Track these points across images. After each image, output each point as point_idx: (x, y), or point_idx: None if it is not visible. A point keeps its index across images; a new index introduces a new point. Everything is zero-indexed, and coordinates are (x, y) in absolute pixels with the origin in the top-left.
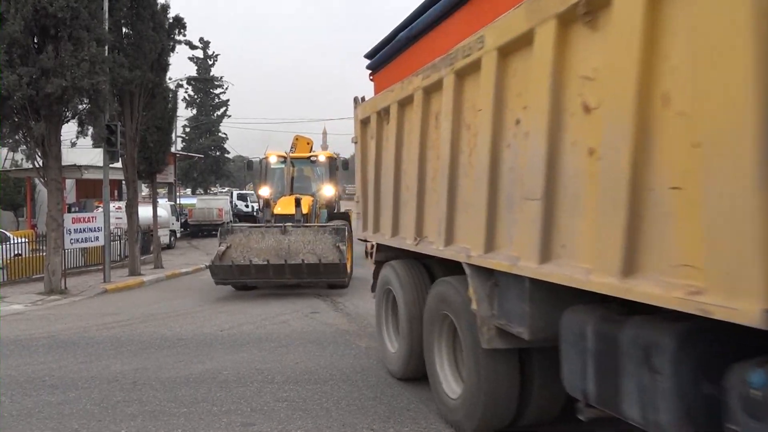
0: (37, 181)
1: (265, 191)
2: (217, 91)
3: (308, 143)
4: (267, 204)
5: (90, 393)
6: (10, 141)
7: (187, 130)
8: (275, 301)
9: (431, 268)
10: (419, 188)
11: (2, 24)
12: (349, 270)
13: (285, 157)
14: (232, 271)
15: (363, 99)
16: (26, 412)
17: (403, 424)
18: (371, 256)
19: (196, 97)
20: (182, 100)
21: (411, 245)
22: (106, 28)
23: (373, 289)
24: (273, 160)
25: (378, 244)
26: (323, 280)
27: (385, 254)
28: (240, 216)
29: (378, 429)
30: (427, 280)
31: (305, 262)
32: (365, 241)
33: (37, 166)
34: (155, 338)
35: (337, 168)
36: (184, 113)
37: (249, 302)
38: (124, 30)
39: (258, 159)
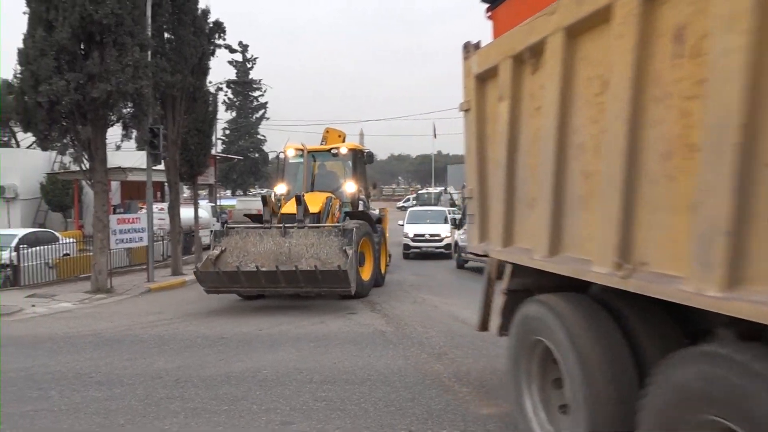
0: (84, 183)
1: (281, 188)
2: (256, 93)
3: (340, 136)
4: (265, 202)
5: (135, 389)
6: (59, 145)
7: (227, 132)
8: (312, 301)
9: (622, 317)
10: (627, 174)
11: (51, 31)
12: (382, 272)
13: (303, 150)
14: (219, 279)
15: (478, 45)
16: (74, 407)
17: (442, 426)
18: (497, 278)
19: (235, 100)
20: (222, 103)
21: (608, 277)
22: (149, 33)
23: (499, 330)
24: (290, 153)
25: (515, 266)
26: (324, 288)
27: (523, 281)
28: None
29: (416, 430)
30: (618, 335)
31: (299, 268)
32: (480, 256)
33: (84, 168)
34: (197, 336)
35: (365, 162)
36: (223, 116)
37: (286, 302)
38: (165, 35)
39: (276, 153)
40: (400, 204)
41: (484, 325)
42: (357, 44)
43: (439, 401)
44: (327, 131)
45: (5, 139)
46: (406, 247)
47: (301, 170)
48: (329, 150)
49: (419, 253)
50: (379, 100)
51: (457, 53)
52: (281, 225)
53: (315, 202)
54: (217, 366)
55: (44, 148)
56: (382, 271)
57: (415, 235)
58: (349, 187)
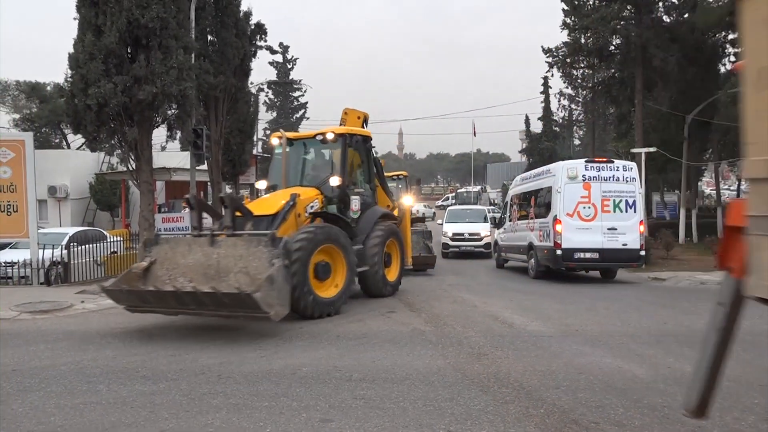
0: (130, 183)
1: (262, 184)
2: (296, 94)
3: (359, 117)
4: (189, 205)
5: (179, 385)
6: (107, 146)
7: (268, 132)
8: (351, 300)
9: None
10: None
11: (100, 36)
12: (393, 278)
13: (283, 139)
14: (131, 299)
15: None
16: (121, 400)
17: (481, 426)
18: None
19: (275, 100)
20: (263, 103)
21: None
22: (193, 36)
23: None
24: (275, 142)
25: None
26: (240, 313)
27: None
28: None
29: (455, 430)
30: None
31: (198, 290)
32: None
33: (131, 168)
34: (239, 333)
35: (368, 150)
36: (264, 116)
37: None
38: (209, 37)
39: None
40: (439, 203)
41: (701, 409)
42: (396, 43)
43: (479, 402)
44: (345, 112)
45: (57, 140)
46: (445, 246)
47: (292, 161)
48: (314, 136)
49: (458, 252)
50: (419, 99)
51: (495, 51)
52: (211, 233)
53: (273, 201)
54: (258, 363)
55: (93, 149)
56: (390, 278)
57: (454, 234)
58: (333, 180)
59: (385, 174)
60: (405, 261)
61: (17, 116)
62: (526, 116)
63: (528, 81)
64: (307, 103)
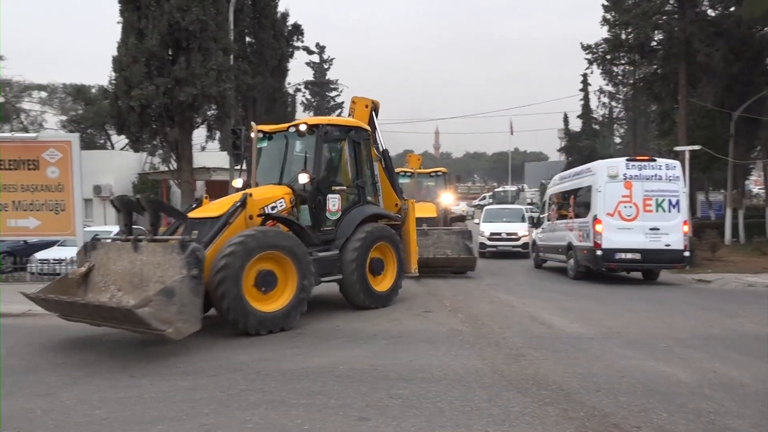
0: (171, 182)
1: (238, 182)
2: (332, 93)
3: (367, 106)
4: (114, 206)
5: (218, 381)
6: (149, 146)
7: None
8: None
9: None
10: None
11: (142, 39)
12: (385, 288)
13: (260, 132)
14: (50, 307)
15: None
16: (163, 395)
17: (520, 428)
18: None
19: (312, 100)
20: (300, 104)
21: None
22: (232, 38)
23: None
24: (253, 136)
25: None
26: (140, 329)
27: None
28: None
29: None
30: None
31: (90, 302)
32: None
33: (172, 168)
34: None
35: (357, 142)
36: (301, 116)
37: None
38: (247, 39)
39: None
40: (476, 202)
41: None
42: (431, 40)
43: (517, 403)
44: (353, 101)
45: (101, 141)
46: (482, 245)
47: (267, 156)
48: (287, 128)
49: (495, 252)
50: (455, 97)
51: (533, 48)
52: (136, 237)
53: (225, 202)
54: (294, 360)
55: (136, 150)
56: (380, 288)
57: (492, 234)
58: (301, 177)
59: (423, 171)
60: (406, 268)
61: (64, 118)
62: (565, 114)
63: (567, 78)
64: (343, 102)
